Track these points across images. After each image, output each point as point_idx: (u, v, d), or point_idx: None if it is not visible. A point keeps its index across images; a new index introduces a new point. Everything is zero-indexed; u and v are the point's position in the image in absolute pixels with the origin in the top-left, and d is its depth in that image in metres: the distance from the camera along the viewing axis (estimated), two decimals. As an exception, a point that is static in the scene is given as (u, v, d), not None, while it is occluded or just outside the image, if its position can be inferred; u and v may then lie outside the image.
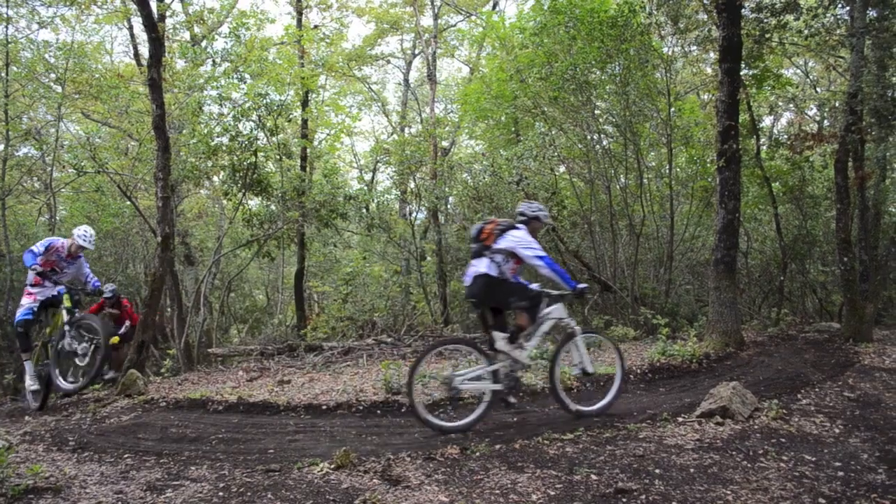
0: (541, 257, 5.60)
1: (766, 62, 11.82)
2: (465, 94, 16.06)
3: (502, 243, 5.69)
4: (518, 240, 5.69)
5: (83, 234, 7.58)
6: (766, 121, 17.60)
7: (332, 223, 13.64)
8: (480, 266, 5.69)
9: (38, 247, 7.52)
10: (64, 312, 7.40)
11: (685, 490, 3.94)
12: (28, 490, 4.09)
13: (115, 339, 9.42)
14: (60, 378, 7.26)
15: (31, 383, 7.50)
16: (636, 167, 12.03)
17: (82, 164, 11.80)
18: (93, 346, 7.27)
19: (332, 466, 4.46)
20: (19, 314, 7.47)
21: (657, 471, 4.26)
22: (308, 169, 16.21)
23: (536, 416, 5.97)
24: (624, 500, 3.82)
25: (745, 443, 4.84)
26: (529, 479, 4.16)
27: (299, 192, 13.07)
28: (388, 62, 25.12)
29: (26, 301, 7.51)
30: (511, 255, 5.68)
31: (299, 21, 17.02)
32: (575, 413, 5.71)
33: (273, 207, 13.13)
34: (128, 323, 10.20)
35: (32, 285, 7.53)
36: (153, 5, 10.27)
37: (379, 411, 6.29)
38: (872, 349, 8.57)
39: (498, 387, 5.50)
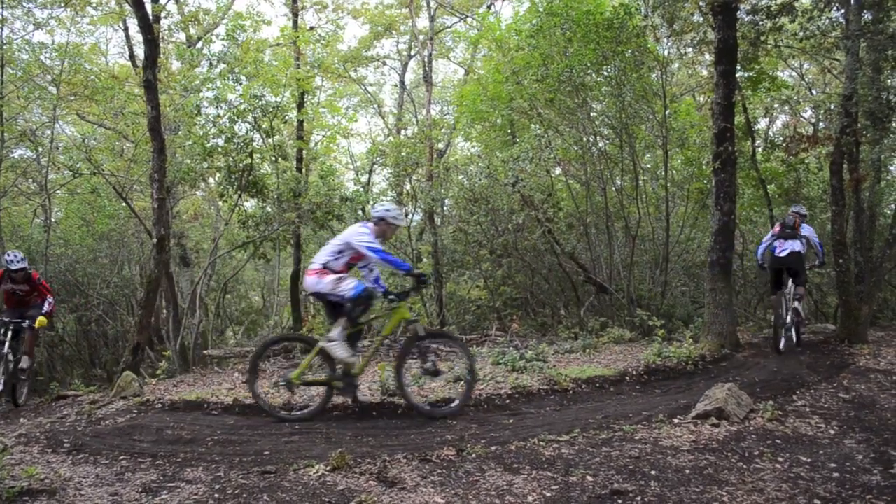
0: (820, 244, 9.12)
1: (761, 64, 11.86)
2: (461, 95, 16.08)
3: (804, 232, 8.83)
4: (812, 231, 8.98)
5: (398, 213, 6.34)
6: (762, 123, 17.67)
7: (329, 225, 13.63)
8: (795, 246, 8.76)
9: (372, 238, 6.09)
10: (418, 328, 6.15)
11: (681, 491, 3.94)
12: (23, 492, 4.08)
13: (43, 321, 8.15)
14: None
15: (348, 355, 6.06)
16: (632, 169, 12.05)
17: (78, 165, 11.78)
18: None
19: (328, 468, 4.45)
20: (356, 287, 6.02)
21: (653, 472, 4.27)
22: (304, 170, 16.19)
23: (532, 417, 5.97)
24: (619, 501, 3.83)
25: (741, 444, 4.85)
26: (525, 481, 4.17)
27: (295, 194, 13.05)
28: (384, 64, 25.13)
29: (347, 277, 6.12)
30: (807, 239, 8.86)
31: (295, 22, 17.00)
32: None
33: (269, 209, 13.11)
34: (50, 299, 8.50)
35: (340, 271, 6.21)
36: (148, 7, 10.26)
37: (375, 413, 6.28)
38: (867, 350, 8.59)
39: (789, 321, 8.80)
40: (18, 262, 8.06)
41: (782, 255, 8.78)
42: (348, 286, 6.04)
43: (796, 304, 8.84)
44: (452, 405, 6.16)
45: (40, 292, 8.43)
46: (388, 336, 6.54)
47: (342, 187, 15.89)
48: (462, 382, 6.49)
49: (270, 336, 6.68)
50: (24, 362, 8.17)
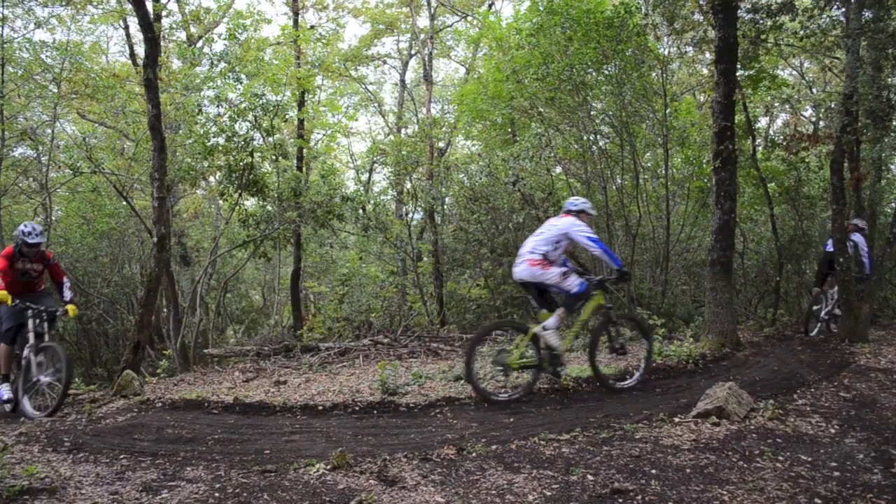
0: (868, 254, 9.91)
1: (761, 63, 11.84)
2: (462, 94, 16.06)
3: (854, 238, 9.67)
4: (863, 241, 9.91)
5: (592, 205, 7.12)
6: (762, 122, 17.67)
7: (329, 224, 13.63)
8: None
9: (590, 230, 6.77)
10: (611, 313, 7.01)
11: (681, 490, 3.94)
12: (23, 491, 4.08)
13: (73, 310, 7.19)
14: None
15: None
16: (632, 168, 12.04)
17: (78, 164, 11.76)
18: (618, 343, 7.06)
19: (329, 467, 4.45)
20: (581, 284, 6.55)
21: (653, 471, 4.27)
22: (304, 169, 16.20)
23: (533, 416, 5.97)
24: (620, 500, 3.83)
25: (741, 443, 4.85)
26: (526, 480, 4.17)
27: (296, 193, 13.05)
28: (385, 63, 25.14)
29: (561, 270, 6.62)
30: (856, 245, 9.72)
31: (295, 21, 17.02)
32: None
33: (269, 208, 13.11)
34: (68, 282, 7.53)
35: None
36: (149, 5, 10.25)
37: (375, 412, 6.29)
38: (868, 349, 8.58)
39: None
40: (37, 234, 6.95)
41: (830, 249, 9.81)
42: (574, 282, 6.58)
43: (837, 310, 9.89)
44: (631, 380, 6.98)
45: (54, 273, 7.44)
46: (586, 321, 7.18)
47: (343, 186, 15.88)
48: (642, 361, 7.27)
49: (487, 323, 7.08)
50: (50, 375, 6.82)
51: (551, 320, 6.59)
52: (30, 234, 6.92)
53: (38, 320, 6.90)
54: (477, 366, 6.88)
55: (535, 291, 6.84)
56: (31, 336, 6.83)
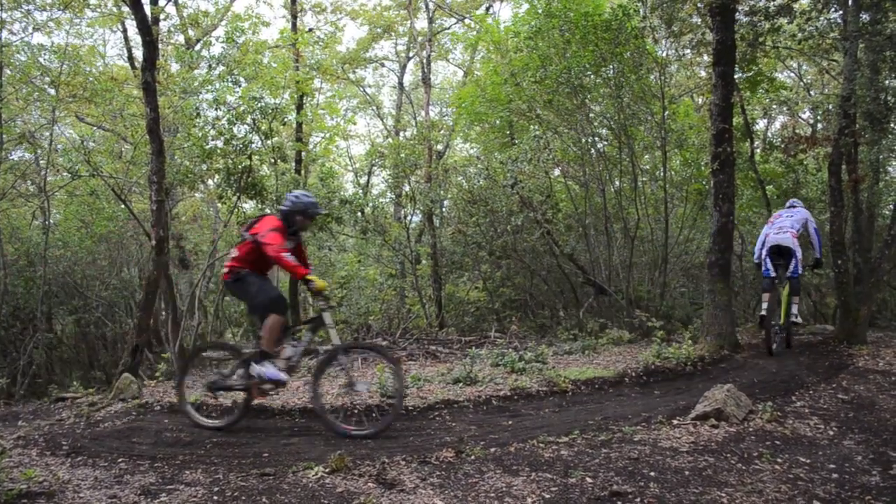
0: None
1: (759, 65, 11.87)
2: (460, 97, 16.08)
3: None
4: None
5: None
6: (760, 124, 17.69)
7: (327, 227, 13.62)
8: None
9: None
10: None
11: (680, 492, 3.94)
12: (21, 495, 4.07)
13: (322, 284, 5.60)
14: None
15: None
16: (631, 170, 12.05)
17: (76, 167, 11.75)
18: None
19: (327, 470, 4.45)
20: (802, 266, 8.57)
21: (652, 473, 4.27)
22: (303, 172, 16.18)
23: (531, 418, 5.97)
24: (619, 502, 3.83)
25: (740, 445, 4.86)
26: (524, 483, 4.17)
27: (294, 196, 13.02)
28: (383, 65, 25.18)
29: None
30: None
31: (294, 24, 17.01)
32: None
33: (268, 210, 13.09)
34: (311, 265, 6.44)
35: None
36: (147, 9, 10.26)
37: (374, 414, 6.28)
38: (866, 351, 8.59)
39: None
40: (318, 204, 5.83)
41: None
42: (800, 266, 8.39)
43: None
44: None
45: (301, 248, 6.24)
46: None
47: (341, 189, 15.88)
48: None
49: (770, 302, 8.38)
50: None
51: (795, 309, 8.49)
52: (314, 203, 5.85)
53: None
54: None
55: (780, 260, 8.35)
56: (332, 333, 5.74)
